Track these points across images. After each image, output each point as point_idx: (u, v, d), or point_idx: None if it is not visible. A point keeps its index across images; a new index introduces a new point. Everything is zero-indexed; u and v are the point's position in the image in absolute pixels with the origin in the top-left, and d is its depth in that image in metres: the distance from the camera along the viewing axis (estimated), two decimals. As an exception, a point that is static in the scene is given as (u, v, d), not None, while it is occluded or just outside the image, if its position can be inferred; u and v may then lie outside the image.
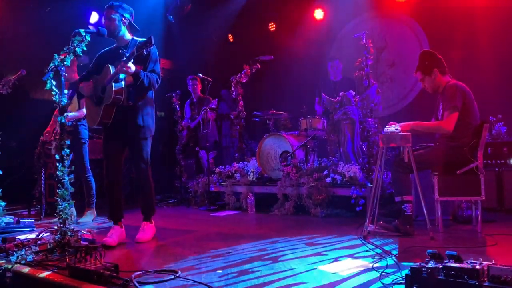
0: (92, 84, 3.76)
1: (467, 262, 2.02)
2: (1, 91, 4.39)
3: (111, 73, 3.53)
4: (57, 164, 3.23)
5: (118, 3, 3.74)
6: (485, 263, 1.99)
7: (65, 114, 3.29)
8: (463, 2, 6.20)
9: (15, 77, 4.48)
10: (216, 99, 6.53)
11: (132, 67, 3.47)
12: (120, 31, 3.73)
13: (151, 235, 3.82)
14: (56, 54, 3.26)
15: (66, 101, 3.31)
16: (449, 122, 3.67)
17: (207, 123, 6.29)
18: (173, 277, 2.59)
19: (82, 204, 5.12)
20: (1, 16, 6.99)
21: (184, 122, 6.92)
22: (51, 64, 3.25)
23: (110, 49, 3.87)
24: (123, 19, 3.73)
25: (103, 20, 3.77)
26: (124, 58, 3.45)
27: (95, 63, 3.85)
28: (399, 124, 3.72)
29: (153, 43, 3.40)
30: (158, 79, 3.71)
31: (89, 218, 5.02)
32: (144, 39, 3.60)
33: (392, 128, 3.68)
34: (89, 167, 5.12)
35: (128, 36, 3.80)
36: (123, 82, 3.55)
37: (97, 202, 5.22)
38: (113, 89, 3.49)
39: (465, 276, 1.94)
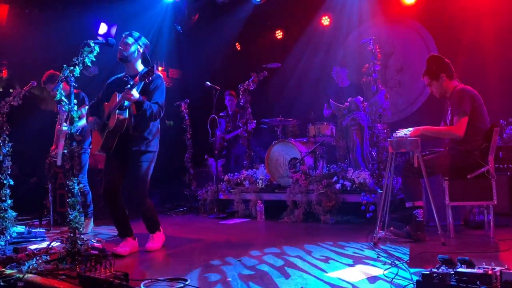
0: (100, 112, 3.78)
1: (479, 268, 2.00)
2: (12, 103, 4.45)
3: (117, 100, 3.57)
4: (67, 173, 3.26)
5: (137, 33, 3.76)
6: (497, 268, 1.96)
7: (74, 124, 3.32)
8: (470, 6, 6.17)
9: (26, 89, 4.54)
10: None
11: (135, 94, 3.46)
12: (133, 59, 3.73)
13: (161, 243, 3.82)
14: (65, 65, 3.30)
15: (76, 111, 3.34)
16: (460, 127, 3.64)
17: (241, 138, 6.60)
18: (182, 285, 2.59)
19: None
20: (11, 29, 7.11)
21: (218, 133, 7.01)
22: (61, 75, 3.29)
23: (119, 77, 3.87)
24: (138, 47, 3.74)
25: (119, 46, 3.75)
26: (129, 86, 3.47)
27: (104, 91, 3.88)
28: (409, 129, 3.70)
29: (155, 71, 3.41)
30: (161, 112, 3.68)
31: (87, 229, 4.88)
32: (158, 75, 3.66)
33: (402, 133, 3.66)
34: (86, 177, 5.05)
35: (139, 66, 3.80)
36: (127, 111, 3.56)
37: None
38: (117, 116, 3.52)
39: (477, 282, 1.92)
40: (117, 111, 3.53)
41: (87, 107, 4.91)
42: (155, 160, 3.81)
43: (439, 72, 3.83)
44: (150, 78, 3.49)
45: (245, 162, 6.50)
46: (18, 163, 6.98)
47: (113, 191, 3.70)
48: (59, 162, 4.72)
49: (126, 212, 3.79)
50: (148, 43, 3.84)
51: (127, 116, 3.56)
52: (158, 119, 3.80)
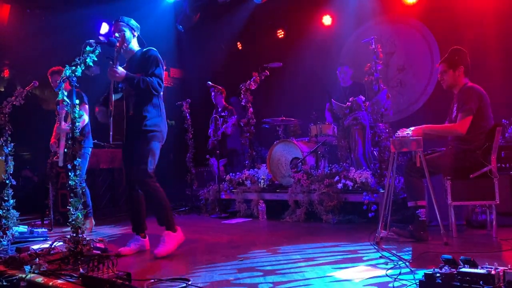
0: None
1: (482, 268, 1.99)
2: (14, 103, 4.45)
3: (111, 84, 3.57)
4: (69, 173, 3.26)
5: (126, 18, 3.76)
6: (500, 268, 1.96)
7: (76, 124, 3.32)
8: (473, 5, 6.16)
9: (28, 89, 4.54)
10: (235, 116, 6.65)
11: (119, 70, 3.43)
12: (129, 44, 3.74)
13: (173, 246, 3.55)
14: (67, 65, 3.30)
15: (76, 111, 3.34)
16: (463, 124, 3.63)
17: (226, 136, 6.58)
18: (185, 285, 2.59)
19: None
20: (13, 30, 7.12)
21: (210, 131, 6.98)
22: (63, 75, 3.30)
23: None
24: (132, 32, 3.75)
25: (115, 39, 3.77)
26: (111, 63, 3.43)
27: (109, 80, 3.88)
28: (411, 128, 3.69)
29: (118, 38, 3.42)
30: (160, 82, 3.57)
31: (88, 228, 4.86)
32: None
33: (404, 132, 3.65)
34: (85, 177, 5.06)
35: (135, 47, 3.80)
36: (122, 92, 3.55)
37: (112, 211, 5.19)
38: (113, 99, 3.50)
39: (481, 282, 1.91)
40: (113, 95, 3.52)
41: (86, 106, 4.93)
42: (158, 139, 3.67)
43: (459, 63, 3.80)
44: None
45: (246, 162, 6.51)
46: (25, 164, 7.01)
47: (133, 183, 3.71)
48: (61, 163, 4.72)
49: (142, 207, 3.75)
50: (138, 25, 3.81)
51: (122, 95, 3.53)
52: (162, 103, 3.74)
